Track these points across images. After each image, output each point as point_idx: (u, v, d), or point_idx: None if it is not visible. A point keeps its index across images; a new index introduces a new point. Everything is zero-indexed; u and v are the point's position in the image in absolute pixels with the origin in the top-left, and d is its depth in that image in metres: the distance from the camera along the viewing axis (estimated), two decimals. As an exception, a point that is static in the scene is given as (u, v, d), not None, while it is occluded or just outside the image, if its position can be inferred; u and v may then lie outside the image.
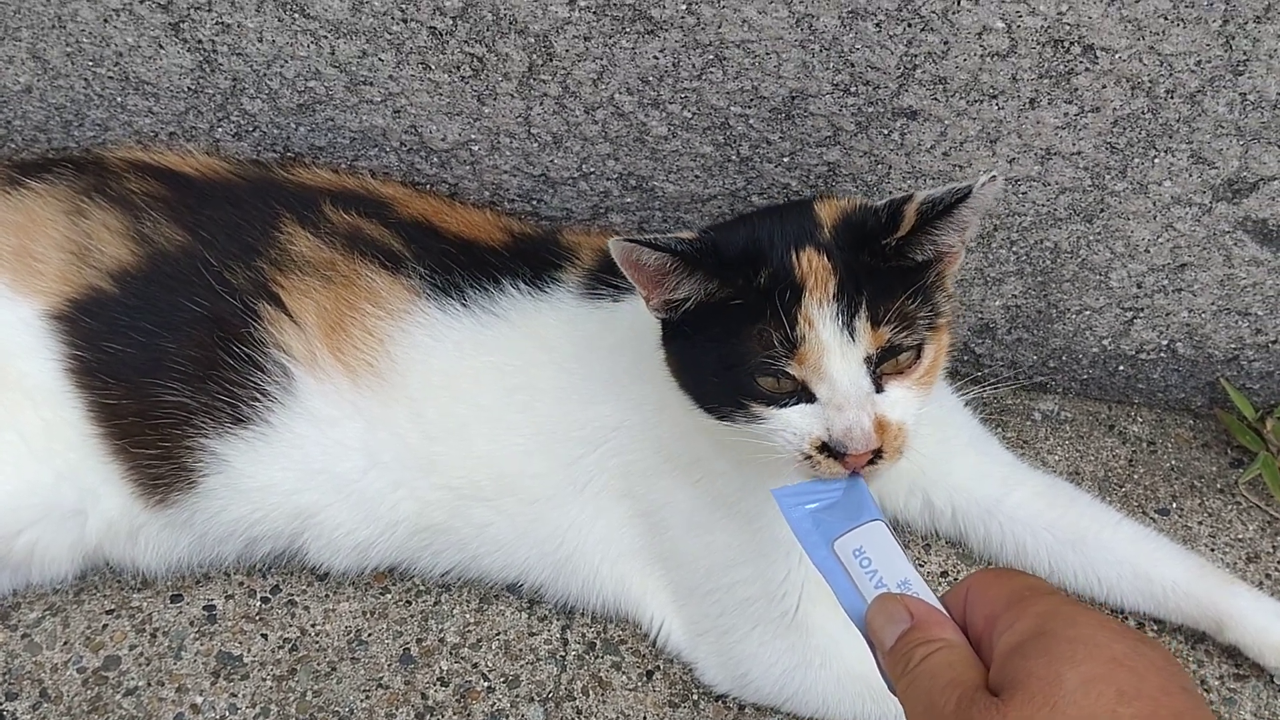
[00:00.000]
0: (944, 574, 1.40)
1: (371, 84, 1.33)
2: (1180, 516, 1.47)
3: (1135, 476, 1.51)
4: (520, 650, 1.32)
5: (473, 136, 1.37)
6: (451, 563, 1.33)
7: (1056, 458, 1.53)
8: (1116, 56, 1.20)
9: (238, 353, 1.23)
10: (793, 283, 1.00)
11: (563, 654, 1.32)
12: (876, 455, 0.99)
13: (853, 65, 1.24)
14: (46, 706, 1.25)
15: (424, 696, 1.28)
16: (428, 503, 1.28)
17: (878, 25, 1.20)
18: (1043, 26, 1.18)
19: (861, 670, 1.24)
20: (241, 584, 1.36)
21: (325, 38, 1.30)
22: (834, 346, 0.99)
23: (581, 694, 1.29)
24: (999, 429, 1.53)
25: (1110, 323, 1.48)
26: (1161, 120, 1.25)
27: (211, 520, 1.28)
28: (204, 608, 1.34)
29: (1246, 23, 1.16)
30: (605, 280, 1.26)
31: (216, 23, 1.30)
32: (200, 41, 1.33)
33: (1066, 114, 1.26)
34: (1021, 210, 1.36)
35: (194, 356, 1.23)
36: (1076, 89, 1.23)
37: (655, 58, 1.26)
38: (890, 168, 1.33)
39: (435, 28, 1.27)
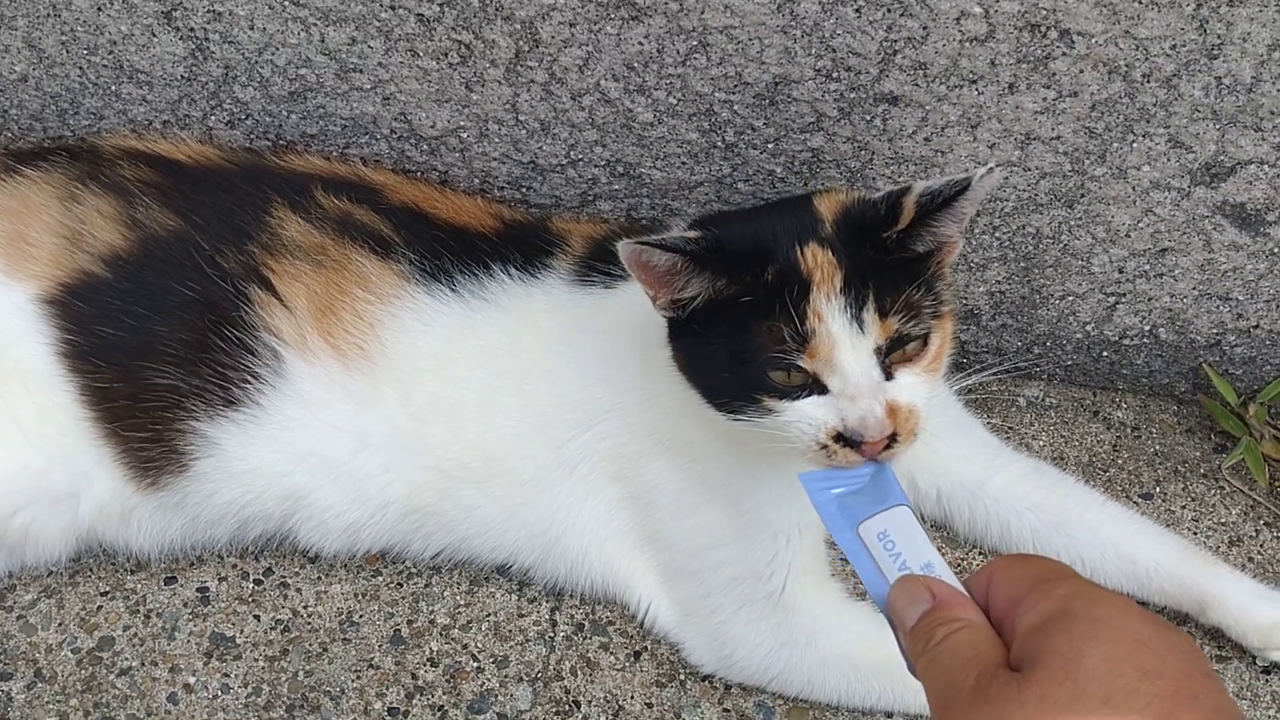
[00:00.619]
0: (928, 556, 1.41)
1: (361, 71, 1.35)
2: (1164, 501, 1.49)
3: (1119, 461, 1.53)
4: (510, 631, 1.33)
5: (461, 124, 1.39)
6: (442, 545, 1.34)
7: (1041, 443, 1.55)
8: (1092, 41, 1.21)
9: (229, 336, 1.24)
10: (800, 278, 1.02)
11: (551, 635, 1.33)
12: (892, 439, 1.01)
13: (834, 51, 1.25)
14: (41, 686, 1.27)
15: (414, 677, 1.29)
16: (417, 485, 1.29)
17: (858, 10, 1.22)
18: (1020, 11, 1.20)
19: (847, 650, 1.25)
20: (235, 566, 1.38)
21: (315, 25, 1.32)
22: (844, 339, 1.01)
23: (570, 674, 1.30)
24: (984, 414, 1.54)
25: (1093, 308, 1.49)
26: (1138, 105, 1.27)
27: (203, 503, 1.30)
28: (197, 589, 1.36)
29: (1220, 6, 1.18)
30: (597, 268, 1.28)
31: (208, 10, 1.32)
32: (192, 29, 1.34)
33: (1045, 99, 1.27)
34: (1003, 196, 1.38)
35: (185, 340, 1.24)
36: (1054, 74, 1.25)
37: (640, 44, 1.28)
38: (873, 153, 1.35)
39: (423, 14, 1.29)
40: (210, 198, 1.30)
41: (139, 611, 1.33)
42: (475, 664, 1.30)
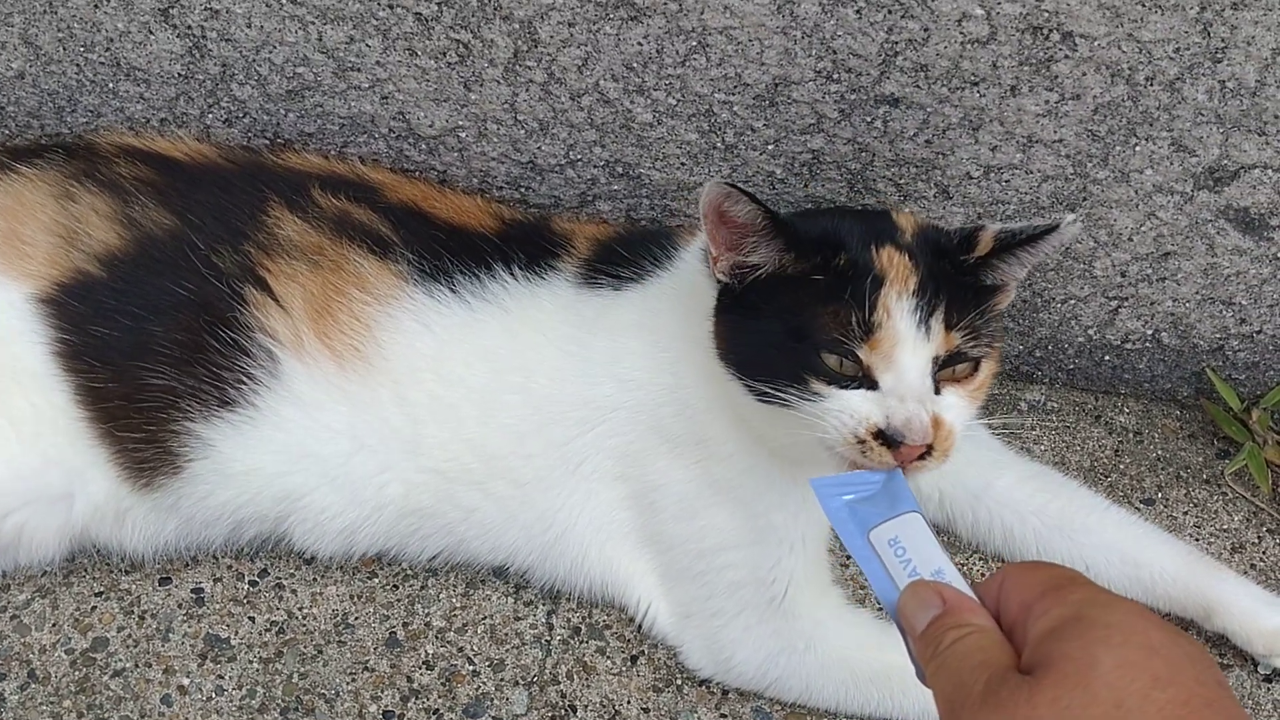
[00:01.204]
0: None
1: (359, 70, 1.35)
2: (1166, 507, 1.48)
3: (1121, 467, 1.52)
4: (506, 635, 1.32)
5: (460, 123, 1.39)
6: (439, 546, 1.33)
7: (1043, 448, 1.54)
8: (1095, 43, 1.20)
9: (224, 337, 1.23)
10: (872, 273, 1.05)
11: (548, 639, 1.32)
12: (926, 453, 1.02)
13: (834, 52, 1.25)
14: (34, 687, 1.26)
15: (409, 679, 1.28)
16: (414, 486, 1.28)
17: (858, 12, 1.21)
18: (1021, 13, 1.19)
19: (846, 657, 1.24)
20: (230, 567, 1.37)
21: (313, 23, 1.31)
22: (908, 339, 1.03)
23: (566, 678, 1.29)
24: (985, 418, 1.54)
25: (1095, 312, 1.48)
26: (1142, 108, 1.26)
27: (198, 504, 1.29)
28: (192, 590, 1.35)
29: (1224, 9, 1.17)
30: (603, 270, 1.28)
31: (205, 8, 1.31)
32: (189, 27, 1.34)
33: (1047, 101, 1.26)
34: (1005, 199, 1.37)
35: (180, 340, 1.24)
36: (1056, 76, 1.24)
37: (639, 44, 1.27)
38: (874, 155, 1.34)
39: (421, 13, 1.28)
40: (207, 196, 1.30)
41: (133, 612, 1.33)
42: (471, 667, 1.30)
